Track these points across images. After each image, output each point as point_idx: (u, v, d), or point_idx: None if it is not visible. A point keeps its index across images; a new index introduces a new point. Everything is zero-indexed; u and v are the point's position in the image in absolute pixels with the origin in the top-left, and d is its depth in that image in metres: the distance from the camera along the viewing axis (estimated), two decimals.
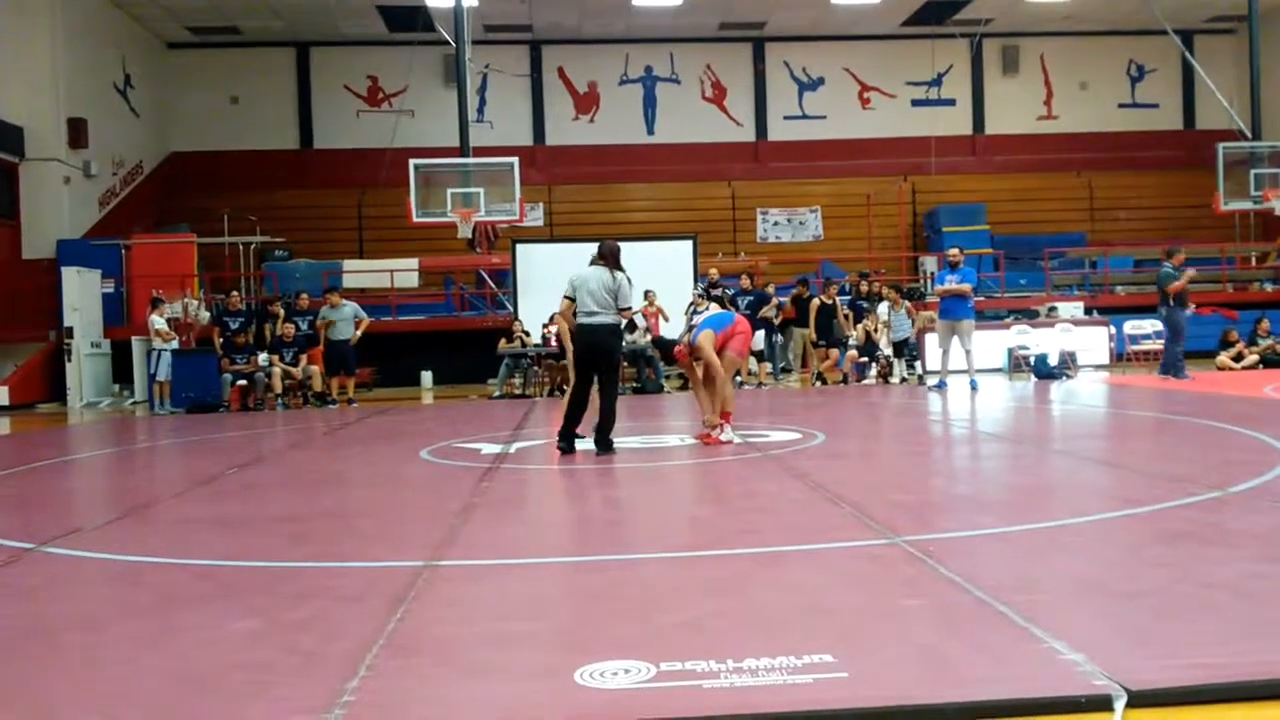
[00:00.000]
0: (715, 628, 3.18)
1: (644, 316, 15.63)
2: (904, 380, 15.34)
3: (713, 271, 16.19)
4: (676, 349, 8.58)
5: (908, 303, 15.87)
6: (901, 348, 15.72)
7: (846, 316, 16.12)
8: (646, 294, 15.69)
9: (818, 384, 15.66)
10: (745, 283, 16.28)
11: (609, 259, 7.83)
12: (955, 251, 14.03)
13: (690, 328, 13.83)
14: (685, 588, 3.78)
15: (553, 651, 3.02)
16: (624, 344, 9.32)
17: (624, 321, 8.03)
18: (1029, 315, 18.66)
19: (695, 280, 15.89)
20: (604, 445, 7.72)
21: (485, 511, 5.59)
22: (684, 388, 15.34)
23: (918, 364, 15.63)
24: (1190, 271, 13.81)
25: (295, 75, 25.10)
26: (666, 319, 15.67)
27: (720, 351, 8.22)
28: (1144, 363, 17.38)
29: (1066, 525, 4.68)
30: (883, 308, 16.29)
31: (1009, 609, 3.23)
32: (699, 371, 8.43)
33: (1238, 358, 16.05)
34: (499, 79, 24.73)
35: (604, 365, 7.88)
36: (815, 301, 16.10)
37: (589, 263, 7.95)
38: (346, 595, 3.77)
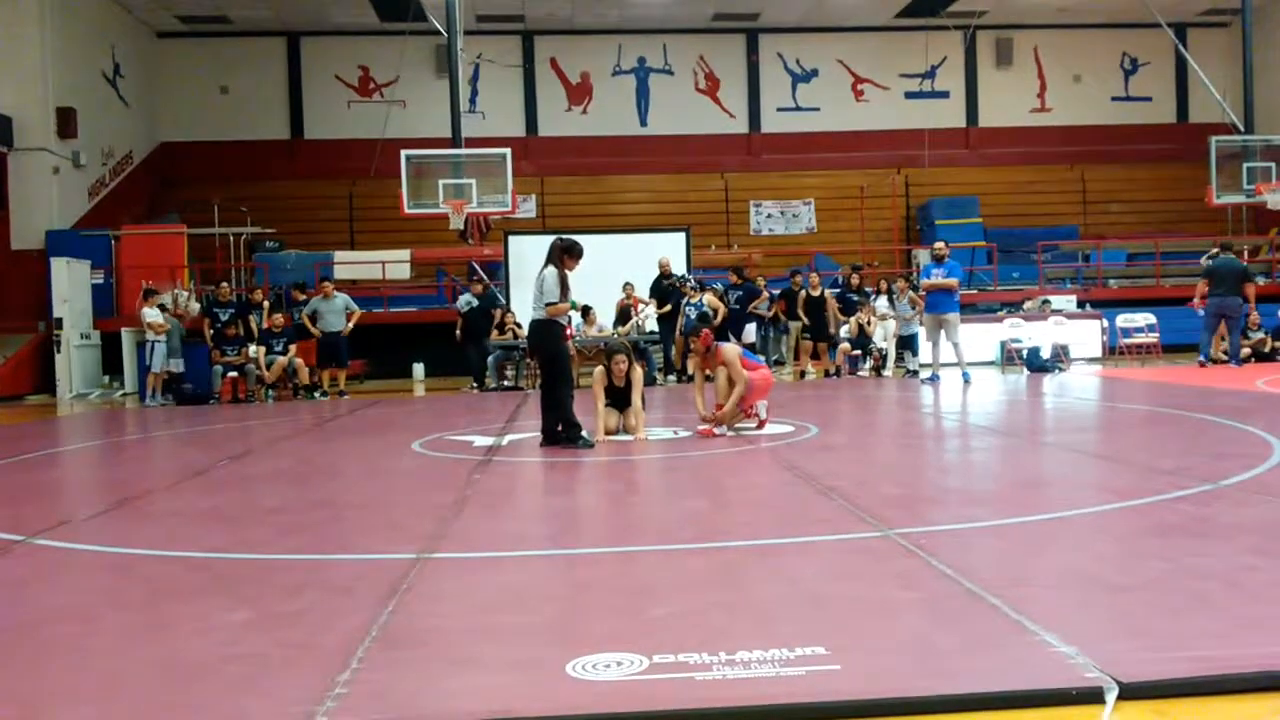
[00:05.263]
0: (707, 620, 3.18)
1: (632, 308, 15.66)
2: (914, 373, 14.76)
3: (663, 259, 16.11)
4: (704, 331, 8.56)
5: (912, 293, 15.55)
6: (909, 340, 15.25)
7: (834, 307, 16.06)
8: (625, 286, 15.68)
9: (805, 377, 15.65)
10: (733, 277, 16.23)
11: (548, 256, 7.90)
12: (940, 245, 13.49)
13: (701, 314, 13.84)
14: (677, 580, 3.78)
15: (544, 644, 3.01)
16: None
17: (564, 317, 8.04)
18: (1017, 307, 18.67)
19: (684, 274, 15.81)
20: (568, 439, 7.68)
21: (477, 504, 5.58)
22: (680, 380, 15.33)
23: (915, 358, 15.46)
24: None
25: (286, 65, 24.98)
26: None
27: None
28: (1136, 356, 17.43)
29: (1059, 518, 4.69)
30: (882, 301, 16.21)
31: (1001, 602, 3.24)
32: (720, 379, 8.34)
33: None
34: (491, 69, 24.65)
35: (540, 360, 8.17)
36: (801, 294, 16.02)
37: None
38: (338, 587, 3.76)
